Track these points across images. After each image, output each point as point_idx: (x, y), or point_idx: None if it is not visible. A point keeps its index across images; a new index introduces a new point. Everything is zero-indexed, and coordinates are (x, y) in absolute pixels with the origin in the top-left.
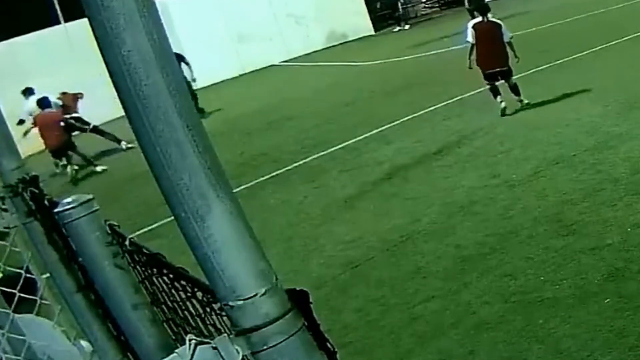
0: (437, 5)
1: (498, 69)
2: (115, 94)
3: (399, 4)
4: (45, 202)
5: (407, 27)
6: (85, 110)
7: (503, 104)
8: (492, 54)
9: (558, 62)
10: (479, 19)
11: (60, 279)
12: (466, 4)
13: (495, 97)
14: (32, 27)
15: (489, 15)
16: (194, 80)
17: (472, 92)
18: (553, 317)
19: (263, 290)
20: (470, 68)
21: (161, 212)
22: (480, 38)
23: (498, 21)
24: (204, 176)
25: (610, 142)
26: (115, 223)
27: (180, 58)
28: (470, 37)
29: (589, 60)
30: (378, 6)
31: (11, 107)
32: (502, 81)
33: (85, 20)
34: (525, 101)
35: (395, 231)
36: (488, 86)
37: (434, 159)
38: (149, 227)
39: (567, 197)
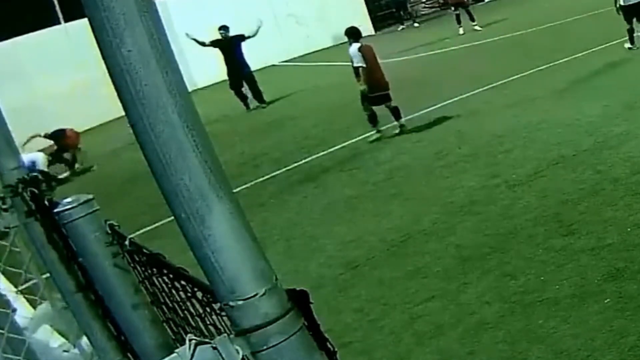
0: (437, 5)
1: (384, 92)
2: (115, 94)
3: (407, 3)
4: (45, 202)
5: (416, 24)
6: (85, 111)
7: (378, 134)
8: (381, 75)
9: (558, 61)
10: (358, 43)
11: (60, 279)
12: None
13: (375, 125)
14: (32, 27)
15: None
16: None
17: (472, 92)
18: (553, 317)
19: (263, 290)
20: (363, 94)
21: (161, 212)
22: (370, 60)
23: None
24: (204, 176)
25: (610, 142)
26: (115, 223)
27: (241, 38)
28: (361, 61)
29: (589, 60)
30: (384, 2)
31: (11, 107)
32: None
33: (85, 20)
34: (404, 125)
35: (395, 231)
36: (368, 112)
37: (434, 159)
38: (149, 227)
39: (567, 197)
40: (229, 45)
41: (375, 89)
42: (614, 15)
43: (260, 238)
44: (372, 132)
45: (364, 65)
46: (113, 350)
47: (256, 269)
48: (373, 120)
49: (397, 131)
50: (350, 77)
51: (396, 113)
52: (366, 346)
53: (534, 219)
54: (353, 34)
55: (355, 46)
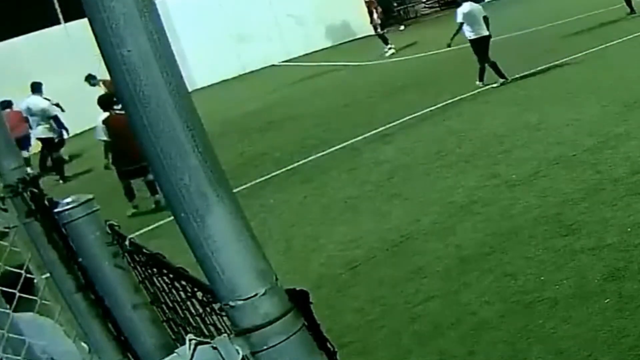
0: (437, 5)
1: (137, 166)
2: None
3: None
4: (45, 202)
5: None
6: (85, 111)
7: (134, 209)
8: (133, 149)
9: (558, 61)
10: (106, 113)
11: (60, 279)
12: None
13: (131, 199)
14: (32, 27)
15: (117, 107)
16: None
17: (472, 92)
18: (553, 317)
19: (263, 290)
20: (107, 169)
21: (161, 212)
22: (118, 133)
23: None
24: (204, 176)
25: (610, 142)
26: (115, 223)
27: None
28: (102, 134)
29: (589, 60)
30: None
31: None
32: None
33: (85, 20)
34: (160, 202)
35: (395, 231)
36: (124, 186)
37: (434, 159)
38: (149, 227)
39: (567, 197)
40: None
41: (124, 164)
42: (612, 16)
43: (260, 238)
44: (130, 208)
45: (106, 139)
46: (113, 350)
47: (256, 269)
48: (129, 194)
49: (152, 206)
50: (349, 77)
51: (152, 187)
52: (366, 346)
53: (534, 219)
54: (101, 103)
55: (101, 116)
